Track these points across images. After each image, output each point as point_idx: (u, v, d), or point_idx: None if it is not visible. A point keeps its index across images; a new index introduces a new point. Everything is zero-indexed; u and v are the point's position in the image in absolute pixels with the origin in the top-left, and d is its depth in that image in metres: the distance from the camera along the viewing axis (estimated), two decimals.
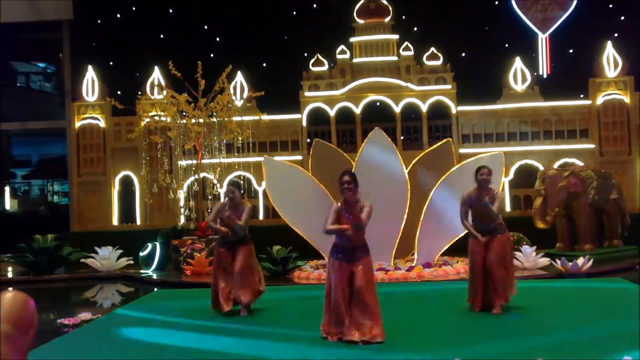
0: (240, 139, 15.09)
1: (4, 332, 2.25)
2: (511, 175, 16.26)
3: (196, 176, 15.21)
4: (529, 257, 12.82)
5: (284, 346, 7.23)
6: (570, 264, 11.97)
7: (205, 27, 18.05)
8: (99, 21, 18.24)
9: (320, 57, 16.51)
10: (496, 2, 17.43)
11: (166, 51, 16.59)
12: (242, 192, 9.24)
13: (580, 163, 15.84)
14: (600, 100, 16.35)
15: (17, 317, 2.31)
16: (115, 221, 17.16)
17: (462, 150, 16.00)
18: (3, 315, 2.29)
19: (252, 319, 8.83)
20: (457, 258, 13.26)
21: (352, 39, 16.53)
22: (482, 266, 8.51)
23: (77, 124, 17.24)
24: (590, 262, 12.14)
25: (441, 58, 16.28)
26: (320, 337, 7.24)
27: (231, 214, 8.93)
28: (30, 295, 2.38)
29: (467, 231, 8.98)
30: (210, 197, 15.39)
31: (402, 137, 16.29)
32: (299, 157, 16.26)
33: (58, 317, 9.32)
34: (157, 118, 15.36)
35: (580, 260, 12.03)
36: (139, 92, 16.48)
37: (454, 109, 16.21)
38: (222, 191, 15.64)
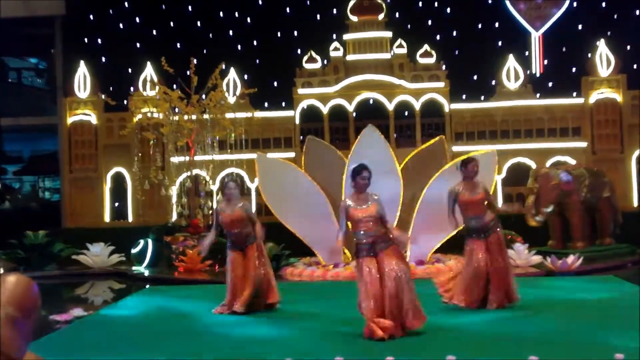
0: (233, 135, 15.05)
1: (8, 315, 2.24)
2: (504, 173, 16.28)
3: (188, 173, 15.16)
4: (521, 254, 12.83)
5: (281, 344, 7.22)
6: (560, 261, 12.00)
7: (198, 23, 17.99)
8: (91, 17, 18.15)
9: (313, 54, 16.48)
10: (489, 1, 17.43)
11: (159, 47, 16.54)
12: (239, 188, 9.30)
13: (572, 161, 15.88)
14: (592, 98, 16.38)
15: (21, 300, 2.30)
16: (107, 218, 17.09)
17: (455, 148, 15.99)
18: (7, 298, 2.27)
19: (244, 314, 8.81)
20: (450, 255, 13.27)
21: (345, 36, 16.50)
22: (485, 267, 8.50)
23: (69, 120, 17.16)
24: (580, 260, 12.16)
25: (434, 56, 16.28)
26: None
27: (231, 213, 8.94)
28: None
29: (460, 228, 9.03)
30: (202, 193, 15.35)
31: (395, 135, 16.27)
32: (292, 154, 16.23)
33: (50, 313, 9.28)
34: (149, 114, 15.29)
35: (570, 258, 12.06)
36: (132, 89, 16.42)
37: (447, 106, 16.21)
38: (214, 188, 15.63)
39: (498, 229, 8.67)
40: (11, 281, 2.34)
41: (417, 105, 16.19)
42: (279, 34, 17.81)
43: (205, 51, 17.20)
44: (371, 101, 16.42)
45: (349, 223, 7.44)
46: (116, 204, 17.15)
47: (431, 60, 16.28)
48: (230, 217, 8.93)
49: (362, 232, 7.28)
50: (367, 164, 7.52)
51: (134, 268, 14.39)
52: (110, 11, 18.15)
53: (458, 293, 8.67)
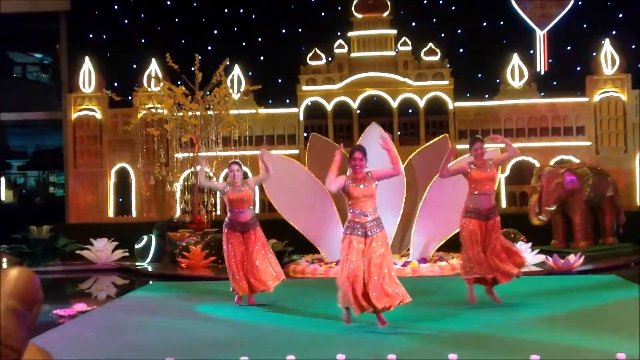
0: (237, 132, 15.07)
1: (10, 308, 2.26)
2: (507, 172, 16.27)
3: (192, 169, 15.19)
4: (524, 253, 12.81)
5: (282, 338, 7.24)
6: (563, 261, 12.00)
7: (203, 19, 18.00)
8: (97, 12, 18.18)
9: (317, 51, 16.47)
10: None
11: (164, 43, 16.54)
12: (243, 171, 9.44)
13: (576, 160, 15.87)
14: (597, 97, 16.36)
15: (23, 293, 2.32)
16: (111, 213, 17.12)
17: (458, 146, 15.87)
18: (9, 290, 2.29)
19: (247, 311, 8.84)
20: (453, 254, 13.26)
21: (350, 34, 16.50)
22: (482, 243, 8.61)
23: (74, 116, 17.19)
24: (582, 259, 12.16)
25: (439, 54, 16.26)
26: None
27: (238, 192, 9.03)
28: None
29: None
30: (206, 190, 15.37)
31: (399, 133, 16.28)
32: (296, 151, 16.24)
33: (53, 308, 9.33)
34: (154, 110, 15.32)
35: (571, 257, 12.05)
36: (136, 84, 16.44)
37: (451, 104, 16.19)
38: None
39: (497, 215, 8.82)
40: (13, 274, 2.36)
41: (421, 103, 16.18)
42: (283, 31, 17.82)
43: (209, 47, 17.24)
44: (375, 99, 16.41)
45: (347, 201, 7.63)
46: (120, 200, 17.19)
47: (435, 58, 16.27)
48: (237, 196, 9.02)
49: (357, 211, 7.42)
50: (363, 146, 7.66)
51: (137, 263, 14.43)
52: (115, 7, 18.17)
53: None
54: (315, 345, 6.95)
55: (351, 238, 7.41)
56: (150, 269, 14.07)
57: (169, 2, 18.09)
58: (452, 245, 12.96)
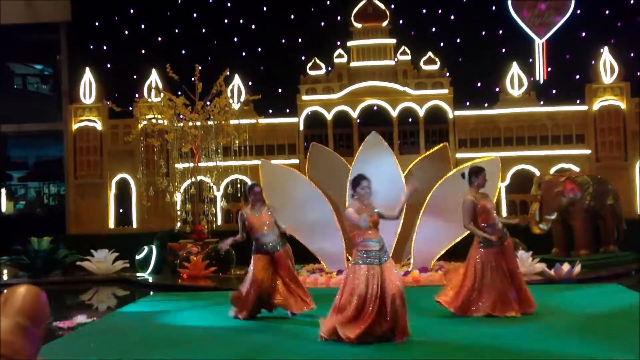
0: (237, 142, 15.09)
1: (18, 324, 2.30)
2: (507, 181, 16.28)
3: (193, 179, 15.20)
4: (525, 262, 12.79)
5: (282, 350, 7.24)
6: (565, 270, 11.99)
7: (203, 30, 18.06)
8: (97, 23, 18.24)
9: (317, 61, 16.52)
10: (493, 8, 17.45)
11: (164, 54, 16.60)
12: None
13: (576, 168, 15.88)
14: (596, 106, 16.39)
15: (31, 310, 2.37)
16: (111, 224, 17.13)
17: (458, 155, 16.02)
18: (17, 308, 2.33)
19: (246, 322, 8.83)
20: (454, 263, 13.24)
21: (349, 43, 16.54)
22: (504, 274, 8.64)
23: (74, 126, 17.23)
24: (579, 267, 12.14)
25: (438, 63, 16.30)
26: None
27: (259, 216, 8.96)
28: None
29: (464, 236, 9.06)
30: (206, 200, 15.39)
31: (398, 142, 16.30)
32: (296, 161, 16.27)
33: (53, 320, 9.32)
34: (154, 121, 15.34)
35: (565, 266, 12.03)
36: (137, 95, 16.48)
37: (450, 113, 16.23)
38: (218, 194, 15.69)
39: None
40: (21, 291, 2.41)
41: (420, 112, 16.21)
42: (283, 41, 17.86)
43: (209, 58, 17.27)
44: (375, 108, 16.44)
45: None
46: (120, 210, 17.19)
47: (435, 67, 16.31)
48: (258, 220, 8.93)
49: (369, 240, 7.31)
50: (365, 174, 7.59)
51: (138, 274, 14.42)
52: (116, 18, 18.23)
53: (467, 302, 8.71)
54: (314, 354, 6.93)
55: (364, 268, 7.32)
56: (151, 280, 14.06)
57: (169, 13, 18.15)
58: (453, 254, 12.96)
